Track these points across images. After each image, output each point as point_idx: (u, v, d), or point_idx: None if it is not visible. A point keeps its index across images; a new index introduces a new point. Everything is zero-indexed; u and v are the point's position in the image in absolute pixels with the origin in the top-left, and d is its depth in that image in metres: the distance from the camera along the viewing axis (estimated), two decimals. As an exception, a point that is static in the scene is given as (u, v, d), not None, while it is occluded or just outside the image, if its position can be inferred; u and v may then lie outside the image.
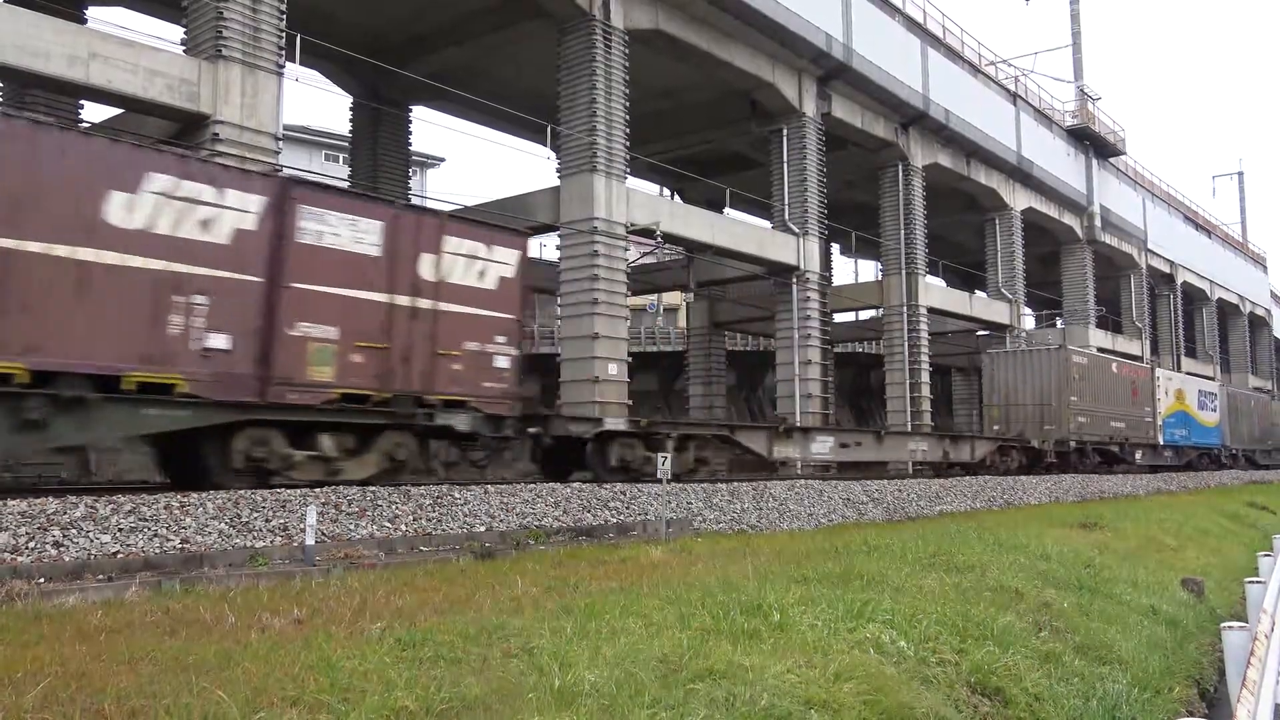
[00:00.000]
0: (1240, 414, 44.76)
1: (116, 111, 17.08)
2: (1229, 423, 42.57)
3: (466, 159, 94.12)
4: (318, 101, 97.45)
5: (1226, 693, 7.69)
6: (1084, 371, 30.24)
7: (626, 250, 22.05)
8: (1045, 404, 29.09)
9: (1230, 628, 6.96)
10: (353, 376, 11.87)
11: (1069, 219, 42.76)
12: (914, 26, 31.31)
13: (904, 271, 32.07)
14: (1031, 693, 7.21)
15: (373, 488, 11.54)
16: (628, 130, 22.02)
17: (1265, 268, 69.28)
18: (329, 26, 22.05)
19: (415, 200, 30.06)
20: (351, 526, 10.42)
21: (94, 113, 19.83)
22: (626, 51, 21.89)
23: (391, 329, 12.29)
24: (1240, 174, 75.78)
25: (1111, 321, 47.72)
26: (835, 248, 42.57)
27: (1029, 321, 43.88)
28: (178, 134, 15.78)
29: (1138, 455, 33.87)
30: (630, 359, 21.70)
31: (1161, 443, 35.31)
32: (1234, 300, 60.97)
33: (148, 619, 6.39)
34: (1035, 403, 29.20)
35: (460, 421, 13.07)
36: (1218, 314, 59.19)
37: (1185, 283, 54.47)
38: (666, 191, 35.03)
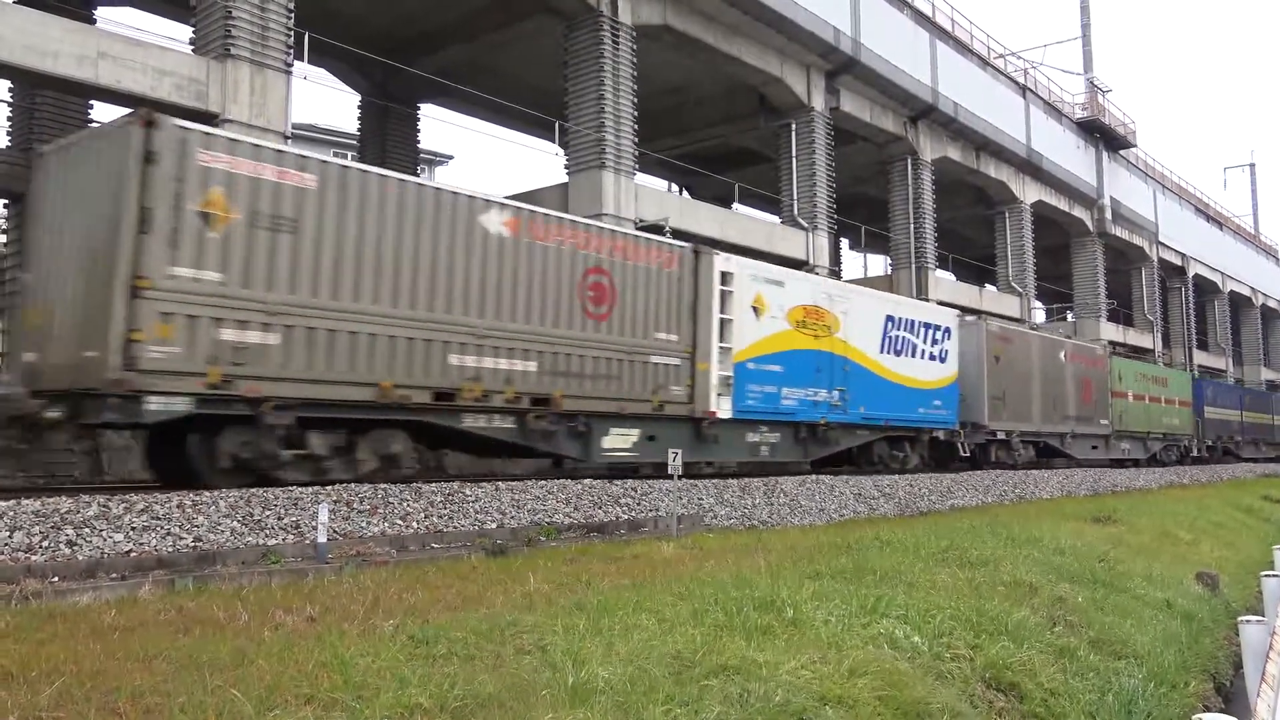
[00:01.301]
0: (1017, 372, 25.54)
1: (125, 111, 17.12)
2: (987, 386, 24.21)
3: (475, 156, 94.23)
4: (326, 99, 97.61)
5: (1243, 686, 7.65)
6: (236, 188, 10.94)
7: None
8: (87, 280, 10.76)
9: (1248, 622, 6.93)
10: None
11: (1079, 212, 42.57)
12: (922, 20, 31.19)
13: (913, 265, 31.98)
14: (1047, 688, 7.17)
15: (384, 485, 11.54)
16: (636, 126, 21.99)
17: (1278, 260, 68.87)
18: (337, 24, 22.08)
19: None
20: (363, 524, 10.43)
21: (103, 113, 19.89)
22: (634, 47, 21.86)
23: None
24: (1252, 165, 75.47)
25: (1123, 315, 47.50)
26: (844, 242, 42.46)
27: (1039, 315, 43.72)
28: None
29: (607, 439, 15.12)
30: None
31: (724, 412, 16.74)
32: (1246, 292, 60.63)
33: (161, 617, 6.39)
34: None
35: None
36: (1230, 306, 58.87)
37: (1197, 275, 54.20)
38: (675, 187, 34.99)
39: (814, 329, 18.83)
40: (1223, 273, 57.18)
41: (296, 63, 16.74)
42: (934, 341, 22.10)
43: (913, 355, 21.48)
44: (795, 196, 27.04)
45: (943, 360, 22.42)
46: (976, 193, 37.77)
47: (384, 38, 24.03)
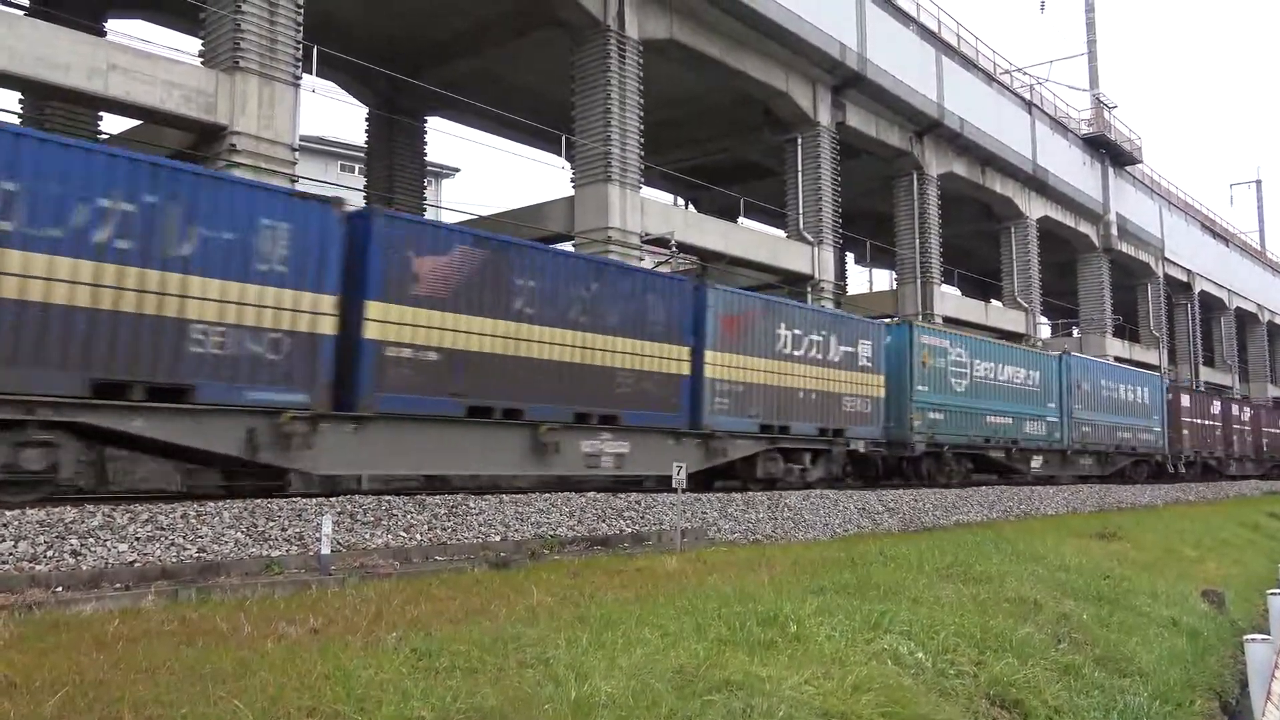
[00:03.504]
0: None
1: (135, 123, 17.23)
2: None
3: (481, 170, 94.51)
4: (334, 112, 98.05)
5: (1248, 705, 7.60)
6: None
7: (641, 260, 22.08)
8: None
9: (1253, 640, 6.88)
10: None
11: (1085, 227, 42.57)
12: (928, 35, 31.29)
13: (919, 280, 31.99)
14: (1051, 705, 7.14)
15: (388, 497, 11.55)
16: (642, 139, 22.06)
17: (1285, 276, 68.73)
18: (345, 38, 22.20)
19: (429, 211, 30.15)
20: (367, 535, 10.43)
21: (112, 124, 20.01)
22: (641, 61, 21.95)
23: None
24: (1258, 182, 75.66)
25: (1129, 331, 47.40)
26: (850, 257, 42.49)
27: (1045, 330, 43.66)
28: (194, 145, 15.90)
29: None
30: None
31: None
32: (1252, 309, 60.51)
33: (164, 628, 6.40)
34: None
35: None
36: (1236, 323, 58.74)
37: (1203, 291, 54.12)
38: (680, 200, 35.06)
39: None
40: (1229, 289, 57.09)
41: (304, 75, 16.82)
42: None
43: None
44: (801, 210, 27.08)
45: None
46: (982, 208, 37.79)
47: (392, 51, 24.15)
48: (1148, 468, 33.60)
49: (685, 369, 16.07)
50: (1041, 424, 26.57)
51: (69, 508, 9.08)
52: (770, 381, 17.58)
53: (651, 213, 22.64)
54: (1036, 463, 26.48)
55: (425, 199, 28.03)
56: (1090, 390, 29.21)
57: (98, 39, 15.55)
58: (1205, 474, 37.70)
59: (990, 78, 35.34)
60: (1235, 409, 41.39)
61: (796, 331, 18.34)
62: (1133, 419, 31.87)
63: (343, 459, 11.77)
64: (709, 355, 16.44)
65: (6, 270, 9.30)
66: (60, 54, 13.73)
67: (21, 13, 18.12)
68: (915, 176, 31.86)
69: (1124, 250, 45.00)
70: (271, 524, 9.86)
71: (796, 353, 18.27)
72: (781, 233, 28.64)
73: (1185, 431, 35.45)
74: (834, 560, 10.97)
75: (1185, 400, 36.27)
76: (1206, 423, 37.88)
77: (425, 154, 27.59)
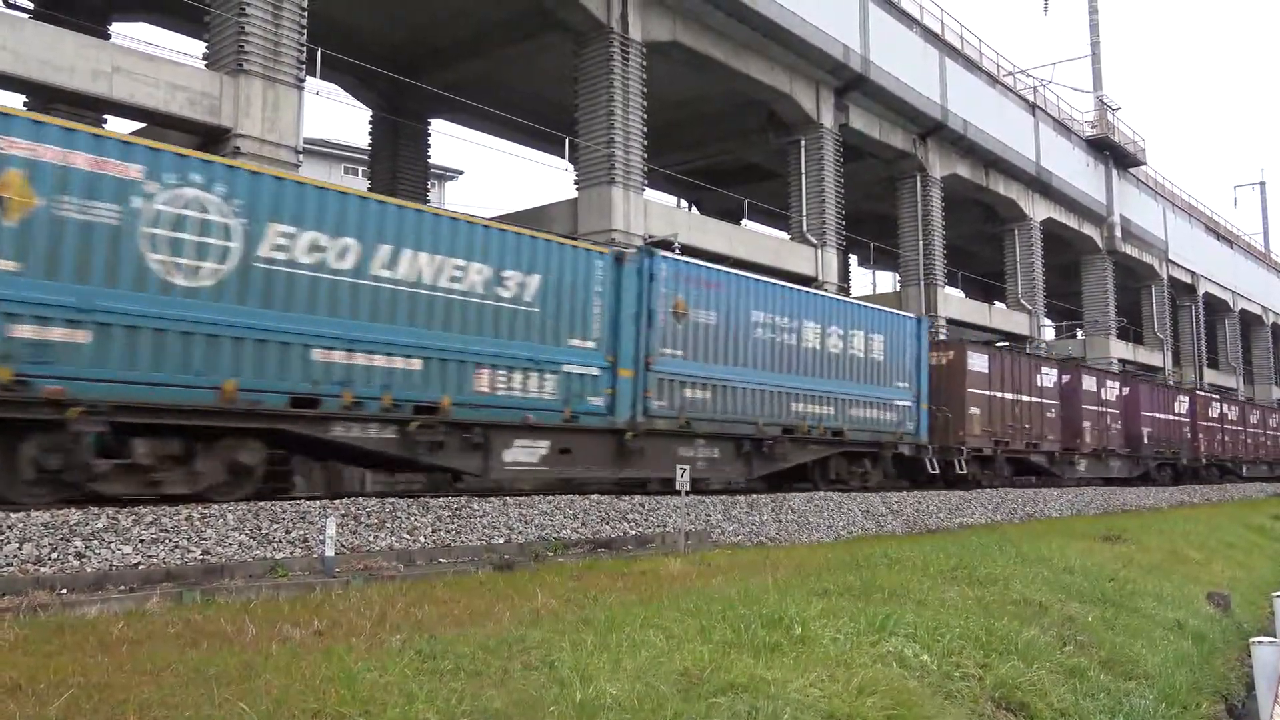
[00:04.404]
0: None
1: (139, 125, 17.24)
2: None
3: (485, 172, 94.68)
4: (338, 114, 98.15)
5: (1254, 708, 7.59)
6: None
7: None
8: None
9: (1260, 643, 6.88)
10: None
11: (1089, 229, 42.52)
12: (931, 37, 31.29)
13: (922, 282, 31.97)
14: (1057, 708, 7.11)
15: (391, 499, 11.55)
16: (645, 141, 22.07)
17: (1289, 278, 68.59)
18: (349, 40, 22.23)
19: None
20: (371, 538, 10.43)
21: (116, 127, 20.04)
22: (644, 64, 21.97)
23: None
24: (1262, 184, 75.72)
25: (1132, 333, 47.34)
26: (853, 259, 42.48)
27: (1049, 332, 43.61)
28: (199, 148, 15.90)
29: None
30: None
31: None
32: (1257, 311, 60.41)
33: (169, 630, 6.39)
34: None
35: None
36: (1240, 325, 58.65)
37: (1207, 294, 54.04)
38: (684, 202, 35.08)
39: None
40: (1233, 291, 57.00)
41: (308, 78, 16.85)
42: None
43: None
44: (804, 212, 27.08)
45: None
46: (985, 210, 37.77)
47: (396, 53, 24.18)
48: (880, 466, 20.45)
49: None
50: (548, 378, 13.87)
51: (73, 510, 9.09)
52: None
53: (655, 214, 22.66)
54: (520, 454, 13.62)
55: (428, 202, 28.08)
56: (723, 324, 16.37)
57: (102, 42, 15.59)
58: (1024, 474, 26.35)
59: (994, 79, 35.33)
60: (1092, 383, 29.19)
61: None
62: (839, 384, 18.79)
63: None
64: None
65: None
66: (64, 57, 13.77)
67: (26, 15, 18.16)
68: (918, 178, 31.87)
69: (1128, 252, 44.95)
70: (275, 526, 9.87)
71: None
72: (784, 235, 28.63)
73: (974, 410, 23.06)
74: (838, 562, 10.94)
75: (977, 362, 23.43)
76: (1028, 400, 25.32)
77: (429, 156, 27.61)
